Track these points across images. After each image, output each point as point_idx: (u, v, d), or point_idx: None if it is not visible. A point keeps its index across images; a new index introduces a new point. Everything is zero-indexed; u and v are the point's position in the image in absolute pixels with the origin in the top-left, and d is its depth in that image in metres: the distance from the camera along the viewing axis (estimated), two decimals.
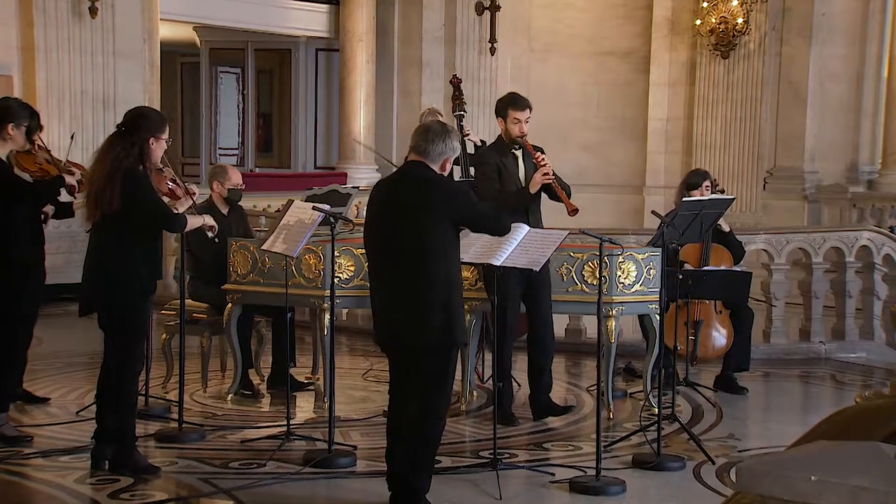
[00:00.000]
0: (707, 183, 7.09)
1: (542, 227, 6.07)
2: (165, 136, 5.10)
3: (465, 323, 4.61)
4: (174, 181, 5.50)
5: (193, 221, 5.42)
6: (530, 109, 6.12)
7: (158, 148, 5.08)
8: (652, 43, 14.04)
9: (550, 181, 5.99)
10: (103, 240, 5.04)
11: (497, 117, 6.16)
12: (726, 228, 7.14)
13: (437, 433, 4.58)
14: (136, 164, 4.97)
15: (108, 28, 10.83)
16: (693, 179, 7.18)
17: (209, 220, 5.54)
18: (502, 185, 6.08)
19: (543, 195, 6.16)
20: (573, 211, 5.96)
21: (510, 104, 6.10)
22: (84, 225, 5.22)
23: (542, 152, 6.13)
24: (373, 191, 4.78)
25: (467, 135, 7.81)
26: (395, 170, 4.95)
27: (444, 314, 4.42)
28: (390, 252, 4.50)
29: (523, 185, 6.09)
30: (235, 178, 6.88)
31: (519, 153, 6.14)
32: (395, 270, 4.49)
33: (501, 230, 4.87)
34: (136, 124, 5.02)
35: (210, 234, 5.62)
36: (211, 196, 6.87)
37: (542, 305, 6.15)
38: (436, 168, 4.54)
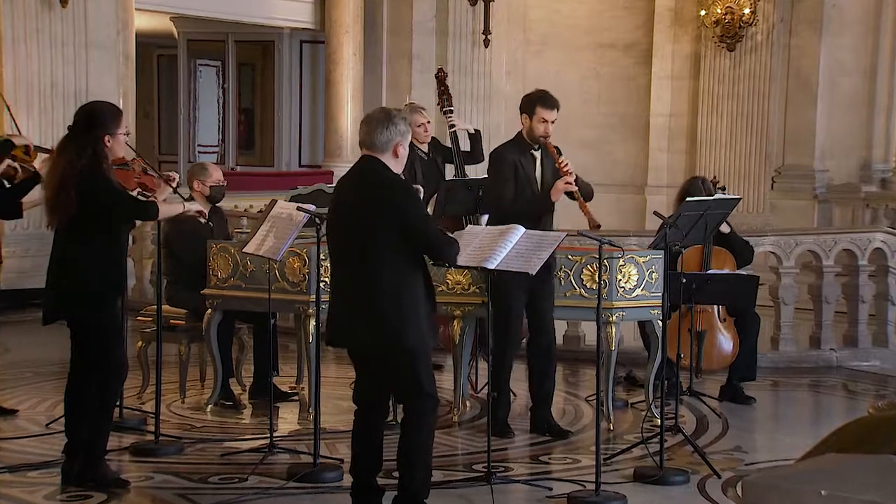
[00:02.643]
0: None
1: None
2: (122, 130, 5.06)
3: (423, 329, 4.58)
4: (145, 172, 5.45)
5: (173, 209, 5.35)
6: (558, 110, 6.07)
7: (117, 144, 5.04)
8: (654, 35, 14.06)
9: (573, 190, 5.94)
10: (65, 246, 5.03)
11: (522, 114, 6.10)
12: (725, 230, 7.13)
13: (426, 431, 4.65)
14: (90, 165, 4.92)
15: (80, 18, 10.80)
16: (690, 189, 7.14)
17: (193, 205, 5.45)
18: (517, 186, 6.04)
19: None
20: (596, 226, 5.83)
21: (539, 101, 6.03)
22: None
23: (560, 153, 6.09)
24: (335, 187, 4.90)
25: (453, 127, 7.75)
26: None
27: (393, 317, 4.50)
28: (343, 252, 4.64)
29: (539, 186, 6.05)
30: (216, 174, 6.88)
31: (538, 154, 6.10)
32: (346, 271, 4.63)
33: (445, 256, 4.74)
34: (88, 123, 4.99)
35: (202, 220, 5.56)
36: (192, 195, 6.87)
37: (544, 313, 6.14)
38: (388, 158, 4.60)
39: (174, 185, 5.53)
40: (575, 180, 5.98)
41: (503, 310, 6.02)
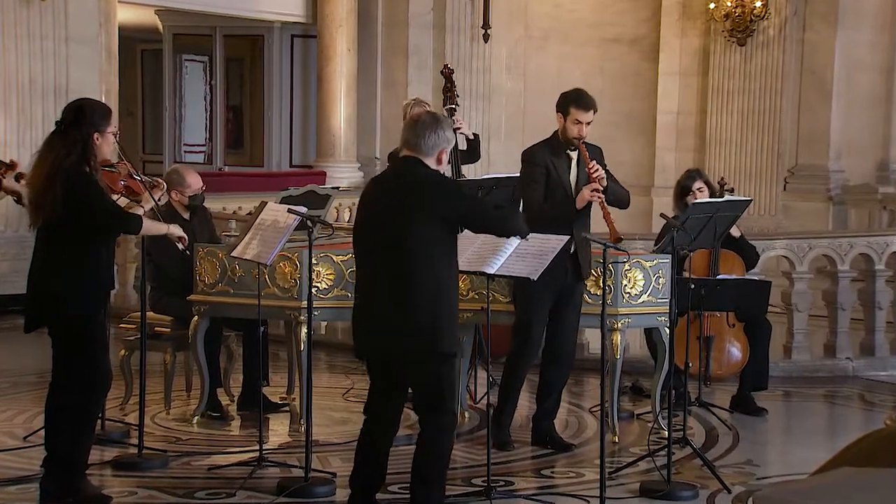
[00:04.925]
0: (699, 184, 7.07)
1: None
2: (111, 129, 5.10)
3: (456, 334, 4.67)
4: (131, 177, 5.47)
5: (156, 227, 5.37)
6: (595, 111, 6.04)
7: (105, 143, 5.07)
8: (661, 29, 14.07)
9: (599, 199, 5.89)
10: (49, 248, 5.04)
11: (557, 112, 6.07)
12: (737, 233, 7.14)
13: (445, 449, 4.68)
14: (79, 163, 4.95)
15: (60, 11, 10.80)
16: (683, 183, 7.17)
17: (177, 229, 5.46)
18: (548, 188, 6.02)
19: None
20: (616, 240, 5.65)
21: (574, 101, 6.00)
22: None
23: (600, 154, 6.06)
24: (365, 188, 4.90)
25: (458, 128, 7.82)
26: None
27: (428, 322, 4.51)
28: (377, 253, 4.63)
29: (573, 189, 6.01)
30: (195, 183, 6.85)
31: (574, 154, 6.07)
32: (380, 273, 4.61)
33: (511, 229, 4.83)
34: (77, 119, 5.02)
35: (180, 247, 5.56)
36: (170, 201, 6.86)
37: (567, 321, 6.12)
38: (431, 162, 4.64)
39: (160, 194, 5.53)
40: (606, 188, 5.92)
41: (526, 314, 6.02)
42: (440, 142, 4.64)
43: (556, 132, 6.11)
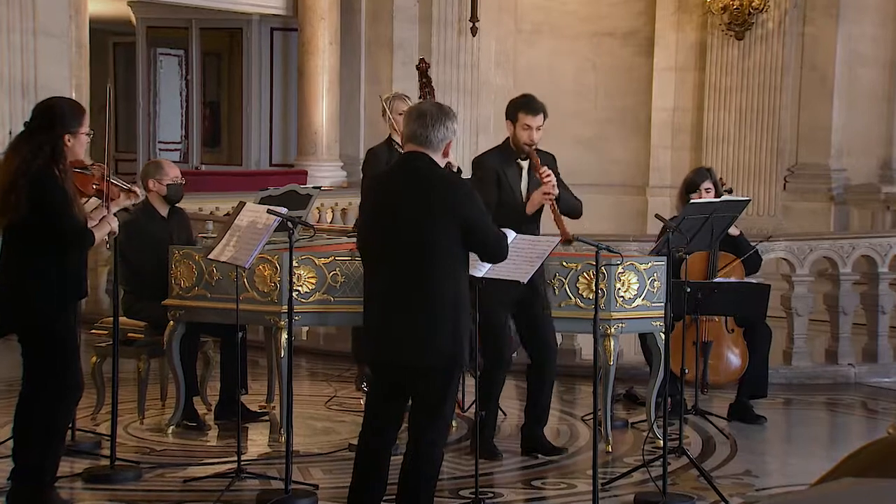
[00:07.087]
0: (707, 185, 7.07)
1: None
2: (84, 129, 5.07)
3: (467, 343, 4.64)
4: (104, 179, 5.45)
5: (101, 233, 5.31)
6: (545, 115, 6.10)
7: (78, 145, 5.05)
8: (656, 22, 14.11)
9: (549, 202, 5.95)
10: (14, 250, 5.04)
11: (506, 120, 6.14)
12: (735, 232, 7.16)
13: (438, 457, 4.66)
14: (47, 166, 4.93)
15: (28, 2, 10.74)
16: (692, 179, 7.19)
17: (114, 223, 5.38)
18: (500, 195, 6.03)
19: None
20: (566, 241, 5.72)
21: (521, 107, 6.08)
22: None
23: (553, 161, 6.10)
24: (369, 188, 4.82)
25: None
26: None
27: (450, 333, 4.49)
28: (391, 260, 4.56)
29: (524, 199, 6.06)
30: (172, 172, 6.88)
31: (525, 164, 6.12)
32: (395, 281, 4.55)
33: (500, 255, 4.71)
34: (47, 120, 5.00)
35: (106, 241, 5.47)
36: (147, 197, 6.85)
37: (536, 321, 6.14)
38: (438, 157, 4.60)
39: (133, 201, 5.49)
40: (558, 196, 5.98)
41: (486, 321, 6.02)
42: (448, 134, 4.62)
43: (507, 139, 6.16)
